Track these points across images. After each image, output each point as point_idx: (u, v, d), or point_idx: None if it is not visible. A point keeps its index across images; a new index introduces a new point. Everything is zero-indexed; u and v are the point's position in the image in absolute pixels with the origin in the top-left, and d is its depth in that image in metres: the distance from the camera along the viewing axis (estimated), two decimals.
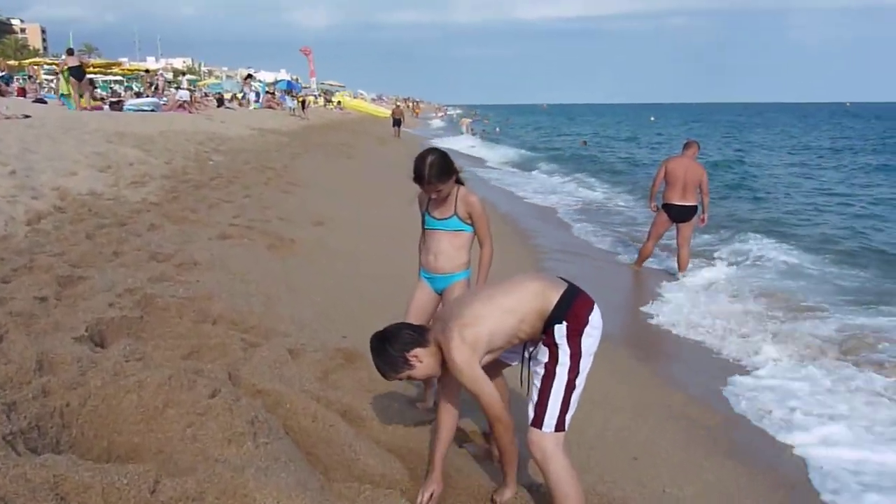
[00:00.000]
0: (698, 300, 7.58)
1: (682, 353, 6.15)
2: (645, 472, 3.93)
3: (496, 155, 30.57)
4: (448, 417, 3.13)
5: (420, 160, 3.60)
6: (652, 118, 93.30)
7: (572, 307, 2.83)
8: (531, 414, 2.87)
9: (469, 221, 3.77)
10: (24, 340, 3.66)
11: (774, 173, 22.56)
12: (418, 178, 3.60)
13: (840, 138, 43.27)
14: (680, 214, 9.03)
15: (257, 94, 40.56)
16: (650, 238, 9.44)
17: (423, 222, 3.91)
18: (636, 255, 9.70)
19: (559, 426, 2.82)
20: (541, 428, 2.82)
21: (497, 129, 55.60)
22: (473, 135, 44.80)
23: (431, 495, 3.04)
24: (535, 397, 2.87)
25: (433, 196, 3.69)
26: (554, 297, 2.84)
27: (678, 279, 8.80)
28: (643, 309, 7.24)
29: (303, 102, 38.45)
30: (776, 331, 6.43)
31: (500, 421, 2.89)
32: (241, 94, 38.69)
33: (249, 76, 45.37)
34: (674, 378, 5.50)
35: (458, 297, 3.25)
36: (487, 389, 2.85)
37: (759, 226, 12.39)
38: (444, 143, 29.73)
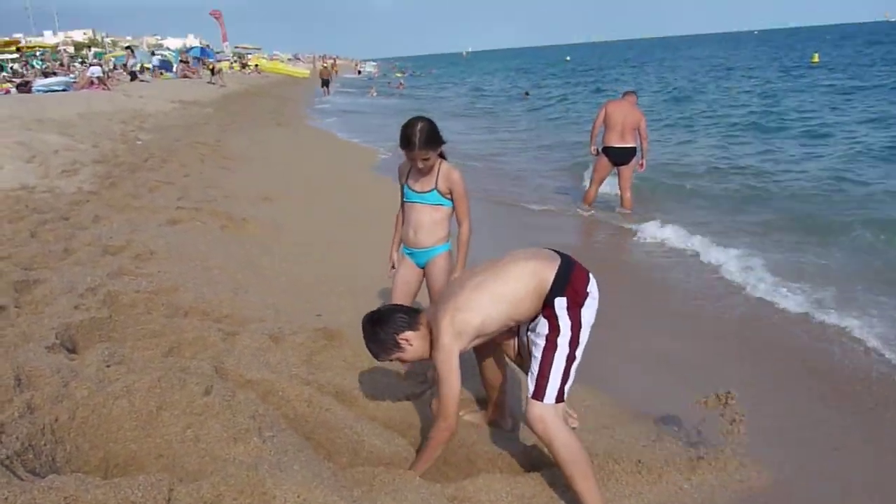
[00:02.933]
0: None
1: None
2: None
3: None
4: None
5: (409, 127, 3.51)
6: (567, 58, 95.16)
7: (570, 282, 2.84)
8: (532, 386, 2.85)
9: (449, 196, 3.73)
10: None
11: None
12: (407, 144, 3.50)
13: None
14: (619, 157, 9.22)
15: (167, 64, 38.85)
16: (593, 182, 9.62)
17: (402, 195, 3.85)
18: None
19: (559, 397, 2.83)
20: (542, 400, 2.81)
21: (400, 84, 51.60)
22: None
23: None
24: (535, 369, 2.85)
25: (420, 166, 3.59)
26: (549, 276, 2.84)
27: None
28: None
29: (212, 70, 37.21)
30: None
31: (447, 420, 2.90)
32: (124, 66, 35.34)
33: (129, 48, 43.03)
34: None
35: (451, 282, 3.20)
36: (453, 384, 2.87)
37: None
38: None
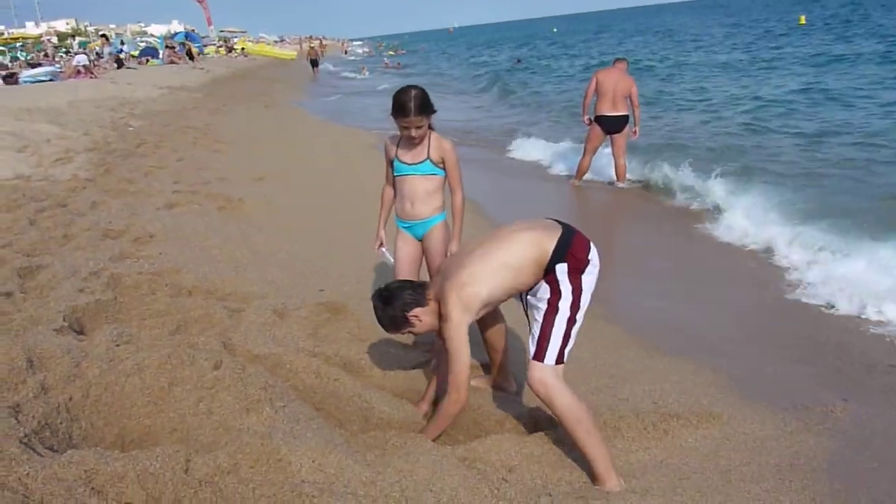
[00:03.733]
0: None
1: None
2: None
3: None
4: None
5: (403, 94, 3.54)
6: (554, 29, 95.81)
7: (571, 250, 2.88)
8: (533, 348, 2.90)
9: (441, 166, 3.76)
10: (5, 339, 3.52)
11: None
12: (402, 111, 3.52)
13: None
14: (612, 125, 9.18)
15: (153, 51, 38.56)
16: (586, 152, 9.57)
17: (393, 170, 3.85)
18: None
19: (559, 359, 2.88)
20: (542, 361, 2.87)
21: (396, 63, 51.13)
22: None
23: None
24: (536, 332, 2.91)
25: (413, 134, 3.60)
26: (550, 246, 2.88)
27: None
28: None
29: (189, 52, 36.93)
30: None
31: (459, 392, 2.97)
32: (99, 55, 34.66)
33: (103, 35, 42.69)
34: None
35: (454, 256, 3.24)
36: (464, 359, 2.93)
37: None
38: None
